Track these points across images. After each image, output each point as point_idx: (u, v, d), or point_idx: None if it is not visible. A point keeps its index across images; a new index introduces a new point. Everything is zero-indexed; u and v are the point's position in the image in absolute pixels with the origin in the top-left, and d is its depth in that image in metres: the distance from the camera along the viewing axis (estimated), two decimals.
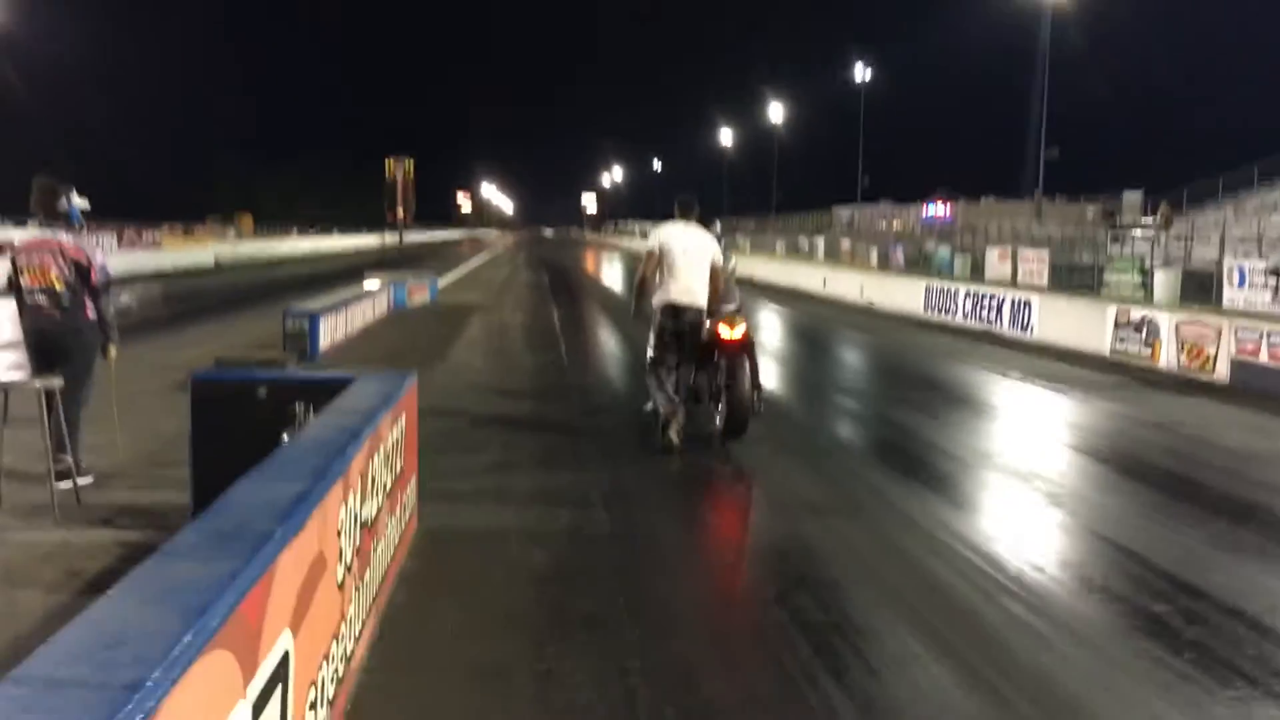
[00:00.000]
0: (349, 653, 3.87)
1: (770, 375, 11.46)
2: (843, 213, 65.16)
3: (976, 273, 23.44)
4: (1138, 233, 33.26)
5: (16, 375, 6.41)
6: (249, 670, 2.49)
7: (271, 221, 72.73)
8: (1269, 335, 12.30)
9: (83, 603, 3.69)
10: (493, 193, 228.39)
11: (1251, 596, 5.39)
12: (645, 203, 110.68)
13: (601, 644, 4.61)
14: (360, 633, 4.12)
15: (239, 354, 11.03)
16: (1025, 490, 7.66)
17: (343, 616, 3.72)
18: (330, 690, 3.48)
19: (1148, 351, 14.64)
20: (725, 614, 5.12)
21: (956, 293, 21.60)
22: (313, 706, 3.19)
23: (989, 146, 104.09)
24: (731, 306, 9.32)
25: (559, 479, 7.57)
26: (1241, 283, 15.62)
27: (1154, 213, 36.30)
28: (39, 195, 6.96)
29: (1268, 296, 14.66)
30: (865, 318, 23.18)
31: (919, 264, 28.08)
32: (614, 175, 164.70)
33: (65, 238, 6.91)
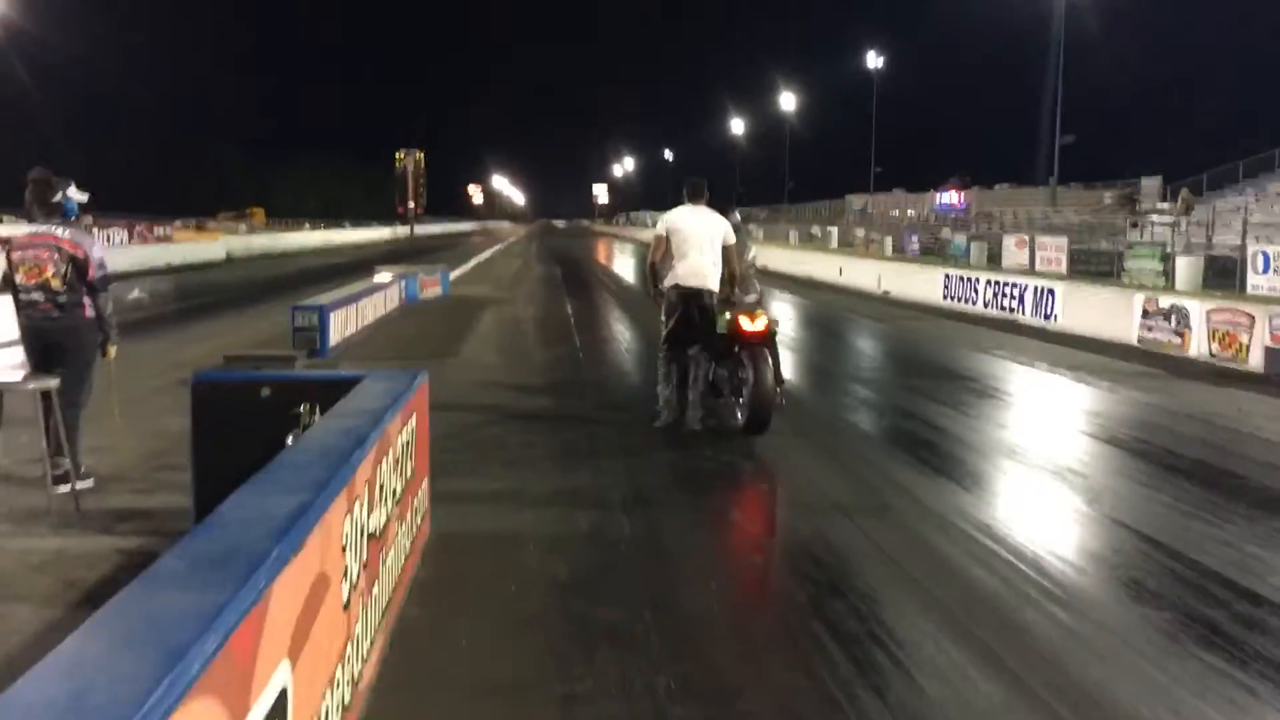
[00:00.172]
0: (357, 675, 3.59)
1: (790, 367, 11.15)
2: (856, 201, 64.69)
3: (993, 261, 23.08)
4: (1156, 219, 32.89)
5: (12, 376, 6.14)
6: (239, 715, 2.22)
7: (283, 215, 72.82)
8: None
9: (78, 617, 3.43)
10: (504, 185, 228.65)
11: None
12: (657, 193, 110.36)
13: (626, 659, 4.33)
14: (369, 652, 3.85)
15: (247, 350, 10.82)
16: (1063, 488, 7.35)
17: (349, 638, 3.45)
18: (336, 719, 3.21)
19: (1178, 340, 14.28)
20: (756, 624, 4.82)
21: (976, 281, 21.23)
22: None
23: (1003, 133, 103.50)
24: (753, 298, 9.04)
25: (577, 479, 7.28)
26: (1266, 268, 15.28)
27: (1173, 199, 35.83)
28: (34, 189, 6.69)
29: None
30: (883, 307, 22.82)
31: (934, 252, 27.75)
32: (625, 166, 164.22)
33: (62, 232, 6.65)
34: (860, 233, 36.73)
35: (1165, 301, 14.81)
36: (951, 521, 6.34)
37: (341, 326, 14.16)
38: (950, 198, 58.01)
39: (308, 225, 67.20)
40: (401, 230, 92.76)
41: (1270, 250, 15.52)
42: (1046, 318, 18.12)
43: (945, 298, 22.35)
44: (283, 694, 2.54)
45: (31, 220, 6.73)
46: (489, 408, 10.05)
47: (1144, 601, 5.09)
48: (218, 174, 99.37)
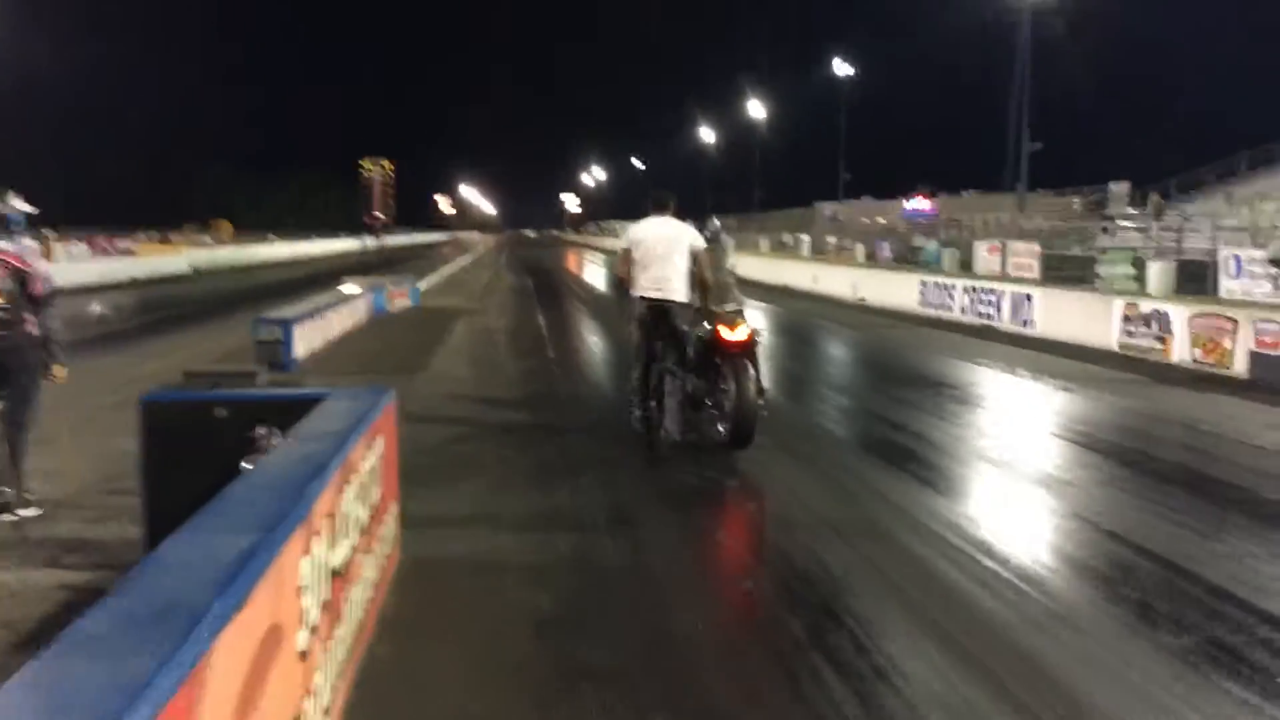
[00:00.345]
0: None
1: (771, 377, 10.84)
2: (825, 209, 64.61)
3: (965, 267, 22.90)
4: (1126, 224, 32.88)
5: None
6: None
7: (251, 228, 72.11)
8: None
9: (14, 663, 3.05)
10: (474, 195, 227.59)
11: None
12: (628, 202, 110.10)
13: (614, 701, 3.99)
14: (331, 703, 3.49)
15: (209, 365, 10.40)
16: (1057, 503, 7.08)
17: (307, 692, 3.09)
18: None
19: (1159, 346, 14.09)
20: (751, 658, 4.46)
21: (953, 288, 21.05)
22: None
23: (970, 140, 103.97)
24: (732, 307, 8.74)
25: (556, 499, 6.93)
26: (1238, 273, 15.12)
27: (1142, 204, 35.91)
28: None
29: (1268, 286, 14.14)
30: (860, 314, 22.60)
31: (907, 259, 27.56)
32: (596, 175, 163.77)
33: (4, 245, 6.24)
34: (832, 240, 36.54)
35: (1146, 307, 14.64)
36: (949, 540, 6.04)
37: (307, 340, 13.74)
38: (918, 204, 58.05)
39: (273, 237, 66.39)
40: (371, 241, 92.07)
41: (1242, 254, 15.38)
42: (1025, 324, 17.94)
43: (922, 304, 22.16)
44: None
45: None
46: (461, 423, 9.70)
47: (1160, 626, 4.81)
48: (183, 187, 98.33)
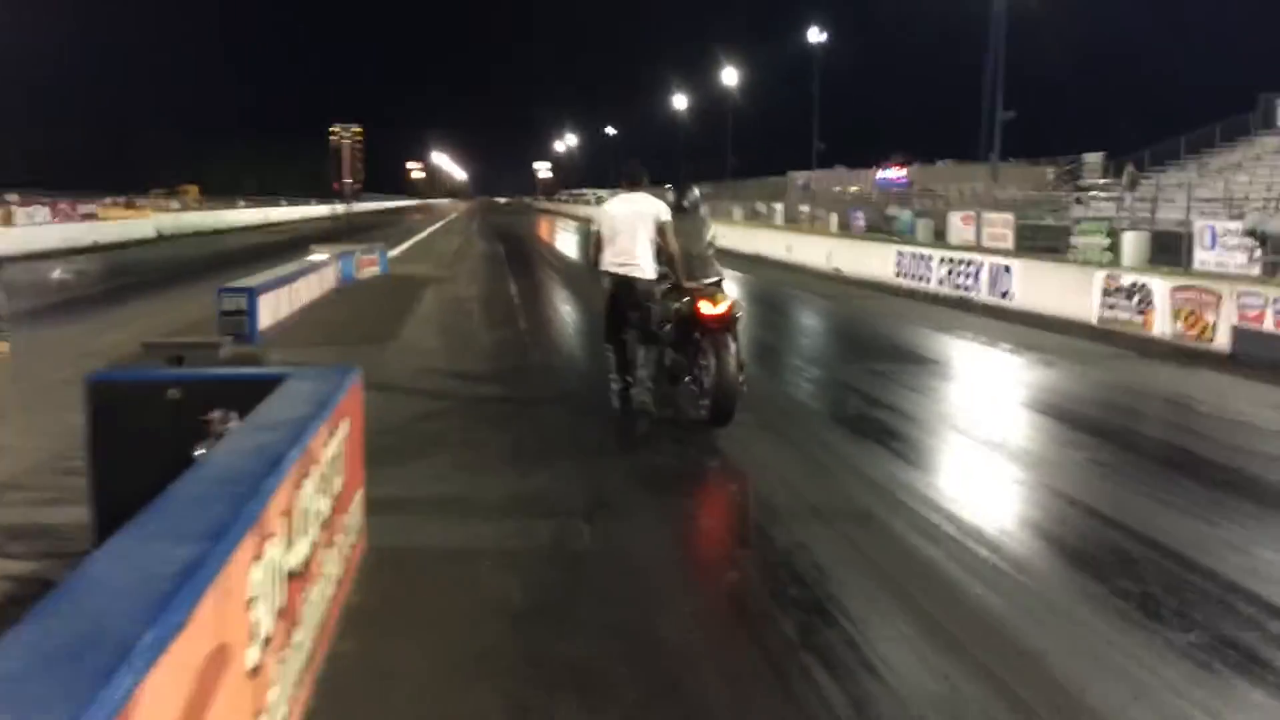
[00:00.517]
0: None
1: (749, 351, 10.59)
2: (798, 178, 64.29)
3: (939, 237, 22.69)
4: (1100, 194, 32.79)
5: None
6: None
7: (219, 193, 71.17)
8: (1275, 301, 11.59)
9: None
10: (445, 162, 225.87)
11: None
12: (601, 170, 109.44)
13: (595, 705, 3.74)
14: (289, 714, 3.21)
15: (169, 337, 10.03)
16: (1053, 490, 6.88)
17: (260, 709, 2.81)
18: None
19: (1140, 319, 13.91)
20: (739, 658, 4.20)
21: (930, 258, 20.80)
22: None
23: (943, 109, 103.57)
24: (713, 279, 8.47)
25: (531, 481, 6.64)
26: (1213, 245, 14.95)
27: (1116, 175, 35.83)
28: None
29: (1243, 258, 13.98)
30: (836, 285, 22.34)
31: (880, 229, 27.31)
32: (568, 143, 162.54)
33: None
34: (805, 209, 36.23)
35: (1126, 280, 14.45)
36: (939, 528, 5.81)
37: (273, 310, 13.35)
38: (891, 173, 57.85)
39: (243, 203, 65.38)
40: (341, 208, 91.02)
41: (1217, 225, 15.21)
42: (1003, 296, 17.73)
43: (898, 275, 21.92)
44: None
45: None
46: (432, 397, 9.40)
47: (1188, 630, 4.60)
48: (153, 153, 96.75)
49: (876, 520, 5.94)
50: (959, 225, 21.69)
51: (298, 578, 3.38)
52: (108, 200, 47.03)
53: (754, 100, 76.45)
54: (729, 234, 34.60)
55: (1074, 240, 17.47)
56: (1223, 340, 12.36)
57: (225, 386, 4.81)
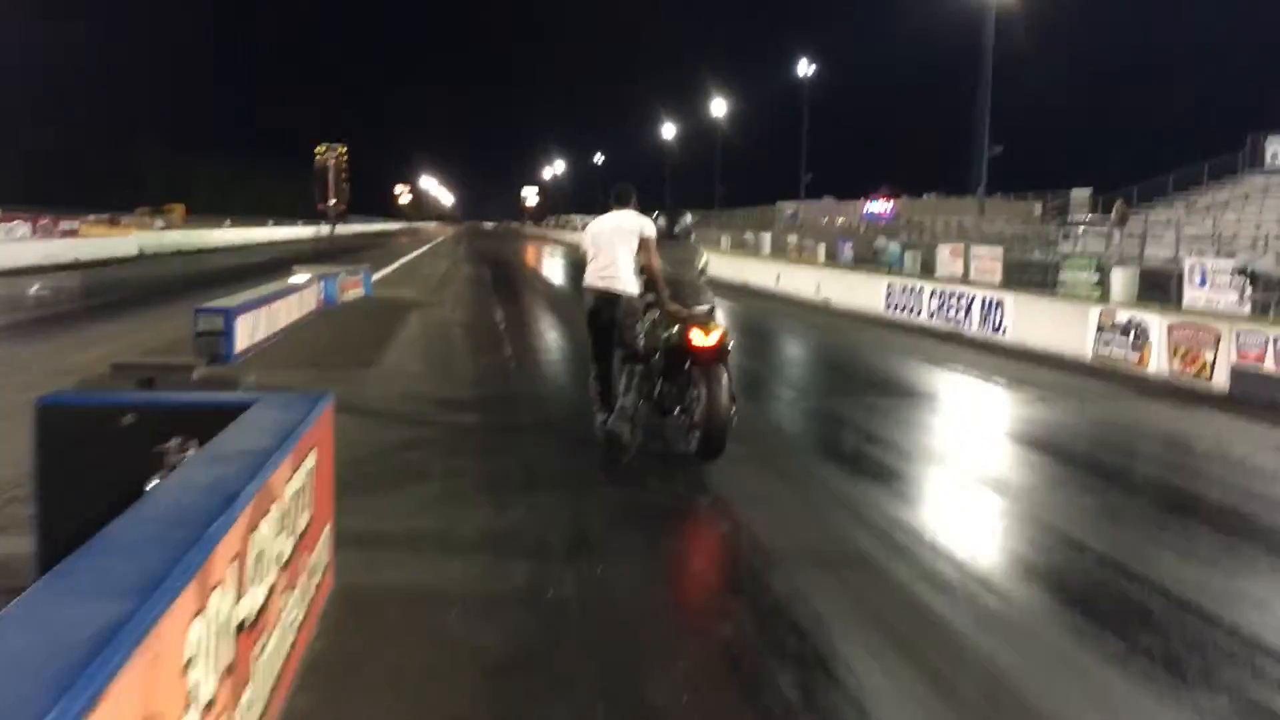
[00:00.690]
0: None
1: (741, 383, 10.30)
2: (787, 208, 64.26)
3: (927, 270, 22.48)
4: (1088, 229, 32.66)
5: None
6: None
7: (206, 212, 70.89)
8: (1276, 341, 11.35)
9: None
10: (432, 185, 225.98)
11: None
12: (588, 196, 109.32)
13: None
14: None
15: (141, 358, 9.67)
16: (1064, 536, 6.57)
17: None
18: None
19: (1135, 356, 13.67)
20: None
21: (920, 291, 20.57)
22: None
23: (932, 143, 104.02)
24: (704, 308, 8.18)
25: (510, 516, 6.30)
26: (1203, 283, 14.76)
27: (1105, 210, 35.77)
28: None
29: (1234, 296, 13.77)
30: (826, 317, 22.08)
31: (868, 260, 27.10)
32: (555, 169, 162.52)
33: None
34: (793, 239, 36.04)
35: (1122, 316, 14.21)
36: (940, 572, 5.50)
37: (250, 331, 12.98)
38: (878, 206, 57.79)
39: (228, 222, 64.94)
40: (326, 229, 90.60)
41: (1209, 264, 15.03)
42: (995, 330, 17.50)
43: (888, 307, 21.69)
44: None
45: None
46: (412, 424, 9.08)
47: (1197, 685, 4.29)
48: (140, 171, 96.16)
49: (876, 565, 5.63)
50: (947, 258, 21.49)
51: (249, 630, 3.05)
52: (90, 217, 46.54)
53: (744, 130, 76.52)
54: (718, 262, 34.32)
55: (1062, 276, 17.28)
56: (1221, 379, 12.12)
57: (185, 413, 4.47)
